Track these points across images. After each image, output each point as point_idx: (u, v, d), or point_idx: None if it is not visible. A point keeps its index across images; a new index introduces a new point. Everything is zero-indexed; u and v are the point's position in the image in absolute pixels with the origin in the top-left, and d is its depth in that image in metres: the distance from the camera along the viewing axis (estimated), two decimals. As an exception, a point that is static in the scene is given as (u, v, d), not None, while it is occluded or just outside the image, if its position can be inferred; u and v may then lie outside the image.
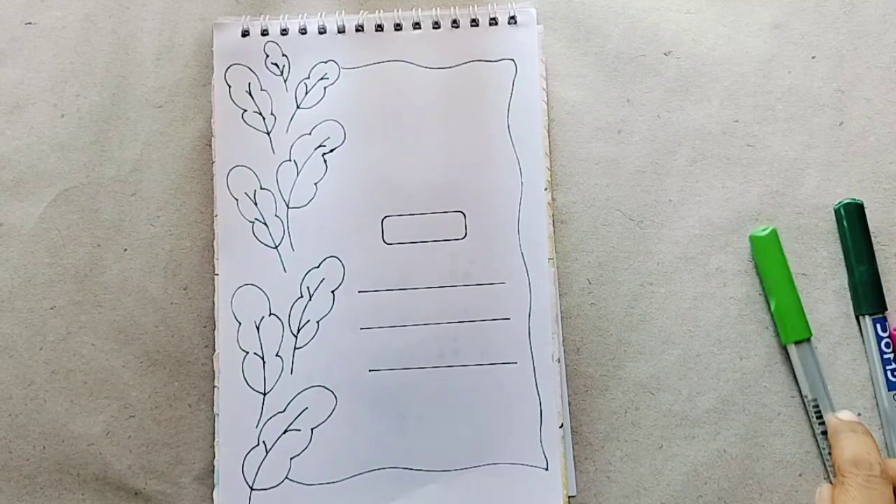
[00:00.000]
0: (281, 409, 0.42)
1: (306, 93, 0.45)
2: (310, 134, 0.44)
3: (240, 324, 0.43)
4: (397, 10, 0.46)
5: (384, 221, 0.44)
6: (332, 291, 0.43)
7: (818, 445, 0.42)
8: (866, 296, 0.42)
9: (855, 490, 0.37)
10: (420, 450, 0.42)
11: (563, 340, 0.43)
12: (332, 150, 0.44)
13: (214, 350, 0.43)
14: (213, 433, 0.42)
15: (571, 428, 0.42)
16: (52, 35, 0.46)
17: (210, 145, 0.45)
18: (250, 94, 0.45)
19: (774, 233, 0.43)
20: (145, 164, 0.45)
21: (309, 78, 0.45)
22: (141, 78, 0.46)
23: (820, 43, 0.45)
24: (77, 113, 0.45)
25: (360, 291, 0.43)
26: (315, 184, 0.44)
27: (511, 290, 0.43)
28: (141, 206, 0.45)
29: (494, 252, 0.43)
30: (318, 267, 0.43)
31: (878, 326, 0.42)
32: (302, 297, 0.43)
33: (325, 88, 0.45)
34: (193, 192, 0.45)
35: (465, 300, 0.43)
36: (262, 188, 0.44)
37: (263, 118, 0.45)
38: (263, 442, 0.42)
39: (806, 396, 0.42)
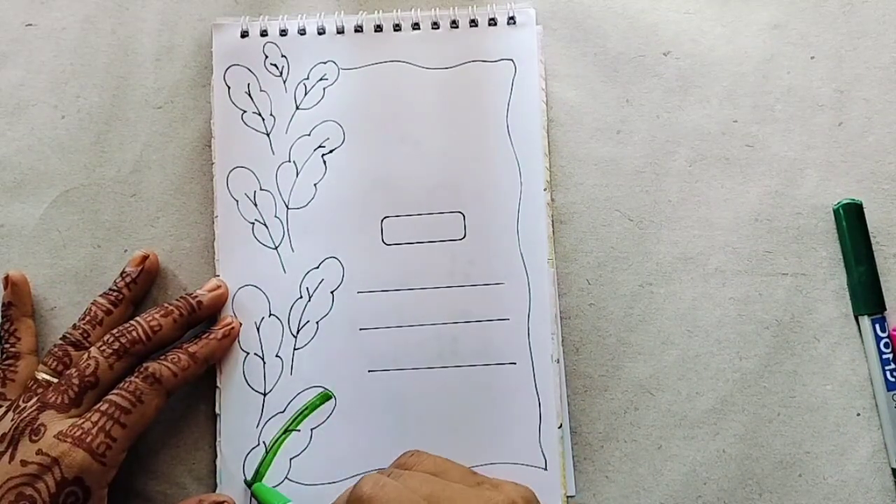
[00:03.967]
0: (281, 410, 0.42)
1: (305, 93, 0.45)
2: (309, 135, 0.44)
3: (240, 324, 0.43)
4: (396, 11, 0.46)
5: (383, 222, 0.44)
6: (332, 292, 0.43)
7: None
8: (865, 296, 0.42)
9: None
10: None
11: (563, 341, 0.43)
12: (331, 151, 0.44)
13: (214, 350, 0.43)
14: (214, 433, 0.42)
15: (570, 428, 0.42)
16: (52, 36, 0.46)
17: (210, 146, 0.45)
18: (250, 94, 0.45)
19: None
20: (145, 164, 0.45)
21: (308, 79, 0.45)
22: (141, 79, 0.46)
23: (819, 43, 0.45)
24: (77, 114, 0.46)
25: (359, 292, 0.43)
26: (314, 184, 0.44)
27: (510, 290, 0.43)
28: (141, 207, 0.45)
29: (494, 252, 0.43)
30: (317, 268, 0.43)
31: (877, 326, 0.42)
32: (301, 297, 0.43)
33: (324, 89, 0.45)
34: (193, 192, 0.45)
35: (464, 301, 0.43)
36: (261, 189, 0.44)
37: (263, 119, 0.45)
38: (264, 442, 0.42)
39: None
